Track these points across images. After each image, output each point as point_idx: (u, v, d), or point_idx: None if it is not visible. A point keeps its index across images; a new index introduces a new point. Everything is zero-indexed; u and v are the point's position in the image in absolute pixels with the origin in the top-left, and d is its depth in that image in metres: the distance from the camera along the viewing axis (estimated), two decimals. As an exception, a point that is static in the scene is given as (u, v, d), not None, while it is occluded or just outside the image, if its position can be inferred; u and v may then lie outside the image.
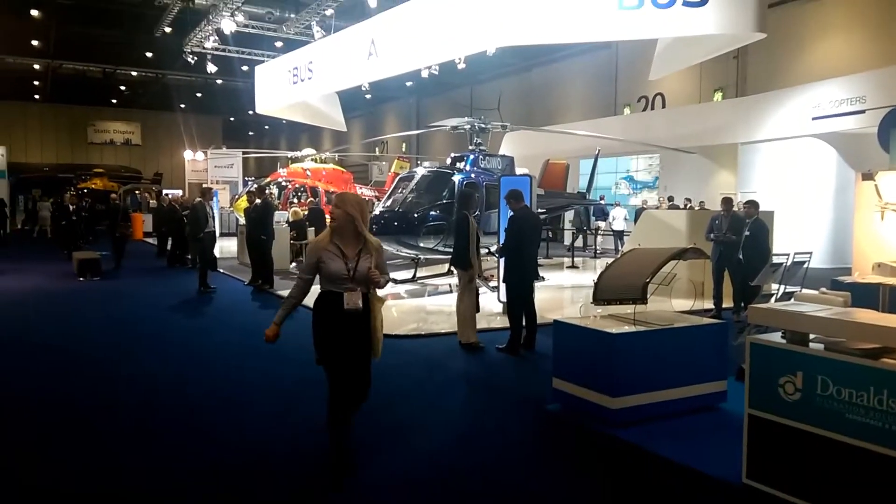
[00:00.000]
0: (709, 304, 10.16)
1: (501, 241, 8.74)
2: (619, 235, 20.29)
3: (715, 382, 5.75)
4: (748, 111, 18.76)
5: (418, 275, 13.63)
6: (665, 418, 5.41)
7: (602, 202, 21.66)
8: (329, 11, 20.31)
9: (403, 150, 37.54)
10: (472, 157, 13.08)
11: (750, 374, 4.11)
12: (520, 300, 7.97)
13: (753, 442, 4.09)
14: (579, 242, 21.06)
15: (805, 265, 8.21)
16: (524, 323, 7.98)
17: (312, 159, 26.43)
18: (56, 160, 43.26)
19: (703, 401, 5.68)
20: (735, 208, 10.88)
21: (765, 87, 19.48)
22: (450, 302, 11.59)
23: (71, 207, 19.22)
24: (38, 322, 10.16)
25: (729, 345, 5.88)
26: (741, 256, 9.81)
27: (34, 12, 24.37)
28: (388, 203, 12.65)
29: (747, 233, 9.79)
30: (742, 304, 9.81)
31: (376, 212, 12.57)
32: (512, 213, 8.11)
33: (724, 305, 10.28)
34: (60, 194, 21.23)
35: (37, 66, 33.54)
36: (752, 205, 10.07)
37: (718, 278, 10.33)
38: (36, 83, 37.98)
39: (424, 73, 21.71)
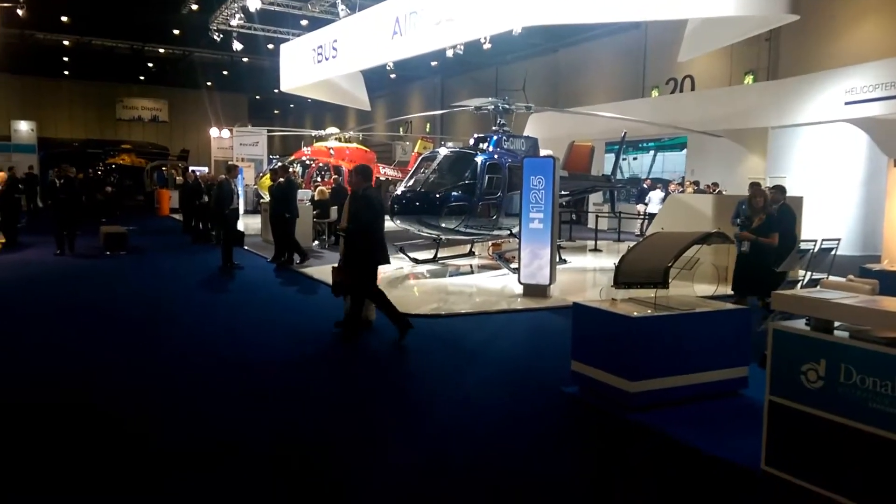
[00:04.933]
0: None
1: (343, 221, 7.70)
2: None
3: (736, 368, 5.70)
4: (779, 95, 18.36)
5: (439, 255, 13.68)
6: (685, 403, 5.38)
7: (646, 185, 21.46)
8: (354, -11, 20.21)
9: (427, 130, 37.41)
10: (495, 138, 13.00)
11: (772, 360, 4.06)
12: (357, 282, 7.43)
13: (773, 429, 4.06)
14: (603, 225, 20.93)
15: (833, 252, 8.08)
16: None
17: (336, 138, 26.51)
18: (85, 135, 43.77)
19: (723, 386, 5.64)
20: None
21: (797, 71, 19.02)
22: (471, 282, 11.63)
23: (58, 183, 14.55)
24: (66, 294, 10.35)
25: (752, 331, 5.82)
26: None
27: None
28: (410, 183, 12.64)
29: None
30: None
31: (398, 191, 12.56)
32: (353, 193, 7.55)
33: (748, 291, 10.14)
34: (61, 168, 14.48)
35: (66, 42, 33.82)
36: (779, 190, 9.88)
37: (743, 264, 10.17)
38: (65, 59, 38.32)
39: (449, 53, 21.59)
